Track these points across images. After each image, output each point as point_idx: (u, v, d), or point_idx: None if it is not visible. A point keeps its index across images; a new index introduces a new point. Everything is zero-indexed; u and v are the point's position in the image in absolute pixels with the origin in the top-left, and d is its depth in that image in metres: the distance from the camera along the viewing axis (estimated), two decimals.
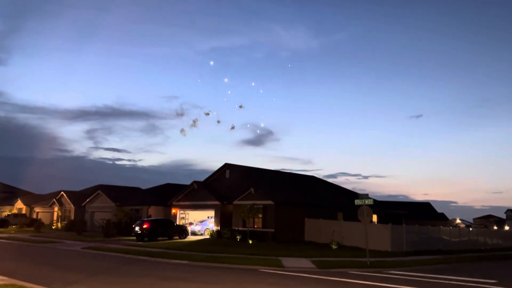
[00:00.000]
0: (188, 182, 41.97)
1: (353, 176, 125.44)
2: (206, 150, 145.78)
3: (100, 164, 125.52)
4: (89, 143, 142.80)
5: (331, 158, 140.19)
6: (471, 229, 41.58)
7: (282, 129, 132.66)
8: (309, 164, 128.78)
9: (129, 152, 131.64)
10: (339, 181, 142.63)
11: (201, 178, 42.00)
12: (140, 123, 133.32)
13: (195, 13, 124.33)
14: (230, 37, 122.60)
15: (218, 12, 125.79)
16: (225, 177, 40.74)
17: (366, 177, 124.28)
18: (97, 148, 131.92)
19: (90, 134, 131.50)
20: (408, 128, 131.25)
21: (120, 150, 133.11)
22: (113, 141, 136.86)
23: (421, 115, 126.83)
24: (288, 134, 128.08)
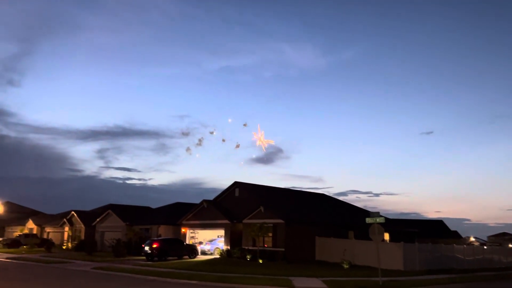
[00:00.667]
0: (198, 201, 41.82)
1: (364, 193, 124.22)
2: (215, 169, 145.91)
3: (111, 184, 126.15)
4: (100, 163, 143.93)
5: (341, 176, 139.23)
6: (485, 247, 40.74)
7: (292, 147, 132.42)
8: (319, 182, 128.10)
9: (139, 171, 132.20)
10: (350, 199, 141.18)
11: (211, 197, 41.94)
12: (150, 142, 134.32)
13: (204, 33, 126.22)
14: (239, 56, 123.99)
15: (227, 32, 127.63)
16: (234, 196, 40.54)
17: (377, 195, 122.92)
18: (107, 167, 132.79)
19: (101, 153, 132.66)
20: (419, 145, 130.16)
21: (130, 169, 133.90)
22: (124, 161, 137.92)
23: (432, 132, 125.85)
24: (298, 152, 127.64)
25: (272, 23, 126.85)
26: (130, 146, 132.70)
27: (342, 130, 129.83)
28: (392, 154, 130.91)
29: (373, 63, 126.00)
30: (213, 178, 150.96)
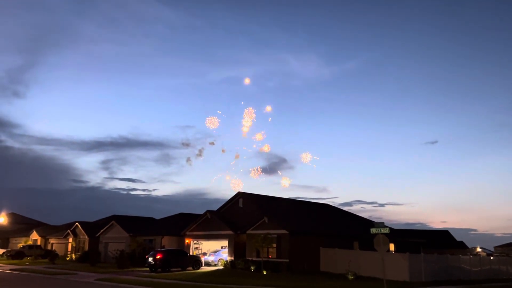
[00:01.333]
0: (201, 212, 41.61)
1: (369, 204, 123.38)
2: (219, 179, 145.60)
3: (115, 195, 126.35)
4: (104, 174, 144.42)
5: (346, 186, 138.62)
6: (492, 257, 40.25)
7: (296, 157, 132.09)
8: (324, 192, 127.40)
9: (144, 182, 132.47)
10: (354, 209, 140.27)
11: (215, 207, 42.05)
12: (154, 153, 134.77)
13: (208, 44, 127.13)
14: (243, 67, 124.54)
15: (231, 42, 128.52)
16: (238, 206, 40.39)
17: (382, 205, 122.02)
18: (112, 178, 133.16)
19: (105, 164, 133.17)
20: (424, 155, 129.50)
21: (134, 180, 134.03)
22: (128, 171, 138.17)
23: (436, 142, 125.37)
24: (302, 162, 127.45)
25: (275, 33, 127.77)
26: (134, 157, 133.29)
27: (347, 140, 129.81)
28: (397, 164, 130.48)
29: (377, 73, 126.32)
30: (217, 188, 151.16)
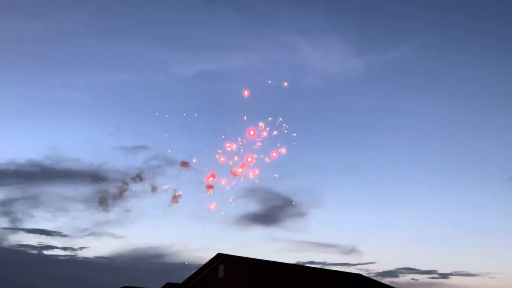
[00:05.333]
0: (158, 285, 38.84)
1: (424, 273, 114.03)
2: (188, 232, 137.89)
3: (19, 255, 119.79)
4: (3, 222, 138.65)
5: (387, 246, 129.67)
6: None
7: (309, 199, 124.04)
8: (352, 255, 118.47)
9: (65, 236, 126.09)
10: (402, 282, 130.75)
11: (179, 278, 39.30)
12: (84, 190, 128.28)
13: (175, 21, 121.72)
14: (228, 55, 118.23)
15: (210, 20, 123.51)
16: (217, 277, 37.51)
17: (445, 276, 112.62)
18: (15, 229, 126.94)
19: (5, 207, 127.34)
20: (506, 198, 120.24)
21: (51, 233, 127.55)
22: (41, 218, 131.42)
23: None
24: (318, 206, 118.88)
25: (280, 8, 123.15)
26: (52, 195, 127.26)
27: (388, 173, 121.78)
28: (465, 213, 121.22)
29: (435, 67, 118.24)
30: (183, 247, 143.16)
